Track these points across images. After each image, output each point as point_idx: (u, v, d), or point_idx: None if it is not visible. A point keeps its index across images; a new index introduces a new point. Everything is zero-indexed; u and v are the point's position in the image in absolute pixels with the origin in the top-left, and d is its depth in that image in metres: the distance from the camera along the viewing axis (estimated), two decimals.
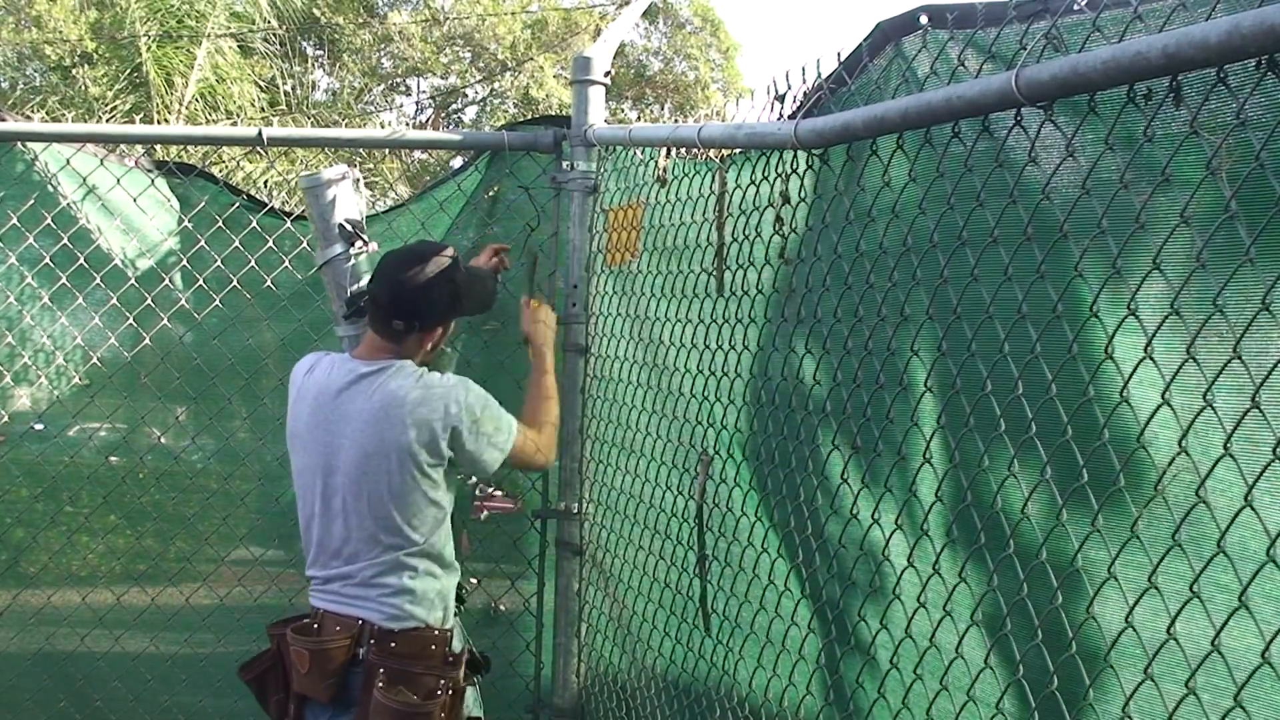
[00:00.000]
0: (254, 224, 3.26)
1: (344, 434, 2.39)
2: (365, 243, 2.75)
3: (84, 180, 3.29)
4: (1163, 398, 1.34)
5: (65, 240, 3.25)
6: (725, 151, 2.35)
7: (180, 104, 14.29)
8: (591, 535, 3.08)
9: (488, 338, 3.25)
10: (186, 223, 3.29)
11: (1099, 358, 1.47)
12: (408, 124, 19.46)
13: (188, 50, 14.53)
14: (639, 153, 2.79)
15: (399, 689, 2.32)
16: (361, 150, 12.81)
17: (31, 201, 3.25)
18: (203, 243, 3.26)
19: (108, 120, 12.98)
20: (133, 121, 12.15)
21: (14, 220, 3.25)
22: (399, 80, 19.86)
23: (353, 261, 2.73)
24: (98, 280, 3.25)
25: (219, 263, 3.23)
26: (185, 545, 3.41)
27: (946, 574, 1.75)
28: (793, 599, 2.19)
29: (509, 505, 2.82)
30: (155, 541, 3.41)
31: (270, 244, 3.24)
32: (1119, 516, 1.46)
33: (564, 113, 3.86)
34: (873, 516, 1.90)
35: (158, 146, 4.71)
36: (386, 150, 13.79)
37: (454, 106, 20.59)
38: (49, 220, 3.25)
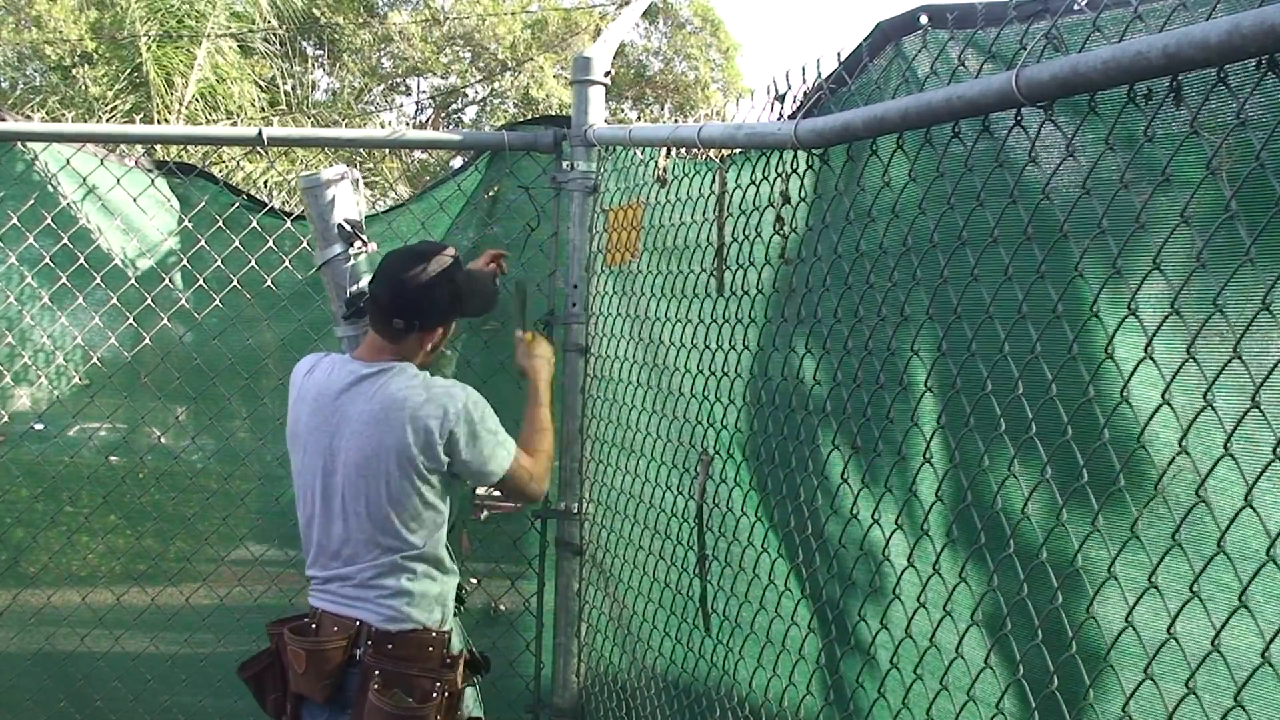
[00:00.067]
0: (254, 224, 3.26)
1: (344, 435, 2.39)
2: (364, 243, 2.75)
3: (84, 180, 3.29)
4: (1163, 398, 1.34)
5: (65, 240, 3.25)
6: (725, 151, 2.35)
7: (180, 104, 14.29)
8: (591, 535, 3.08)
9: (488, 338, 3.25)
10: (186, 223, 3.29)
11: (1099, 358, 1.47)
12: (408, 124, 19.47)
13: (188, 50, 14.53)
14: (639, 153, 2.79)
15: (394, 692, 2.32)
16: (361, 150, 12.81)
17: (31, 201, 3.25)
18: (203, 243, 3.26)
19: (108, 120, 12.99)
20: (133, 121, 12.16)
21: (14, 220, 3.25)
22: (399, 80, 19.87)
23: (352, 262, 2.73)
24: (98, 280, 3.25)
25: (219, 263, 3.23)
26: (185, 545, 3.41)
27: (946, 574, 1.75)
28: (793, 599, 2.19)
29: (509, 505, 2.81)
30: (155, 541, 3.41)
31: (270, 244, 3.24)
32: (1119, 516, 1.46)
33: (564, 113, 3.86)
34: (873, 516, 1.89)
35: (158, 146, 4.72)
36: (386, 150, 13.79)
37: (454, 106, 20.60)
38: (49, 220, 3.25)
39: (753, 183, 2.25)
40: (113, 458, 3.41)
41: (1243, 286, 1.27)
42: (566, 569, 3.11)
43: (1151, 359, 1.36)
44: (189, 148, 10.24)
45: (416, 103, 20.47)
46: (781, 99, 2.15)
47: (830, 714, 2.10)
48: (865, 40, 2.00)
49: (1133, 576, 1.42)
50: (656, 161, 2.60)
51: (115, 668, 3.38)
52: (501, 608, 3.28)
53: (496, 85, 19.53)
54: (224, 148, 10.14)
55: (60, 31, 14.57)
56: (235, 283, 3.23)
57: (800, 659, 2.16)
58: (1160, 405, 1.34)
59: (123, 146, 3.38)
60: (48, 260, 3.26)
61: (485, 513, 2.61)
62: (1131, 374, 1.40)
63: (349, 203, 2.76)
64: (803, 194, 2.11)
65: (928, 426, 1.81)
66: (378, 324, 2.46)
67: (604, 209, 2.99)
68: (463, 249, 3.13)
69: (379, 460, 2.35)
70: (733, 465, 2.41)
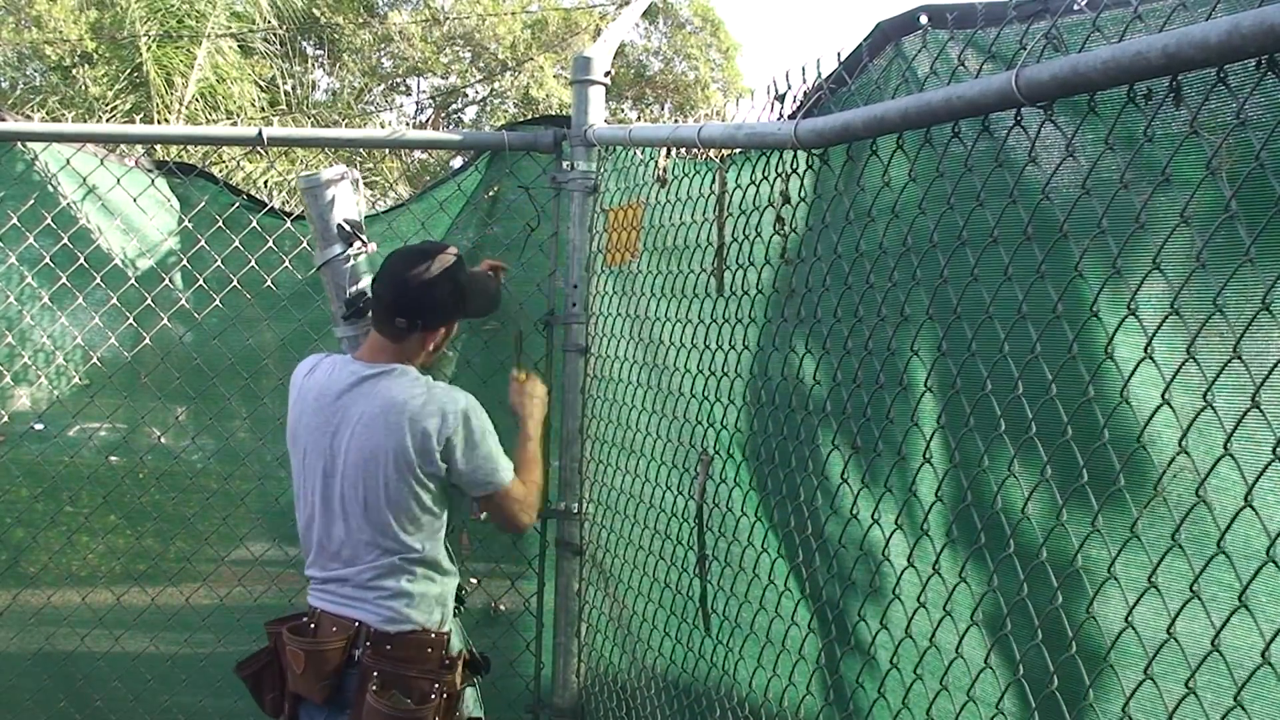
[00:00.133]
0: (254, 224, 3.26)
1: (344, 436, 2.39)
2: (364, 243, 2.74)
3: (84, 180, 3.29)
4: (1163, 398, 1.34)
5: (65, 240, 3.25)
6: (725, 151, 2.35)
7: (180, 104, 14.29)
8: (591, 535, 3.08)
9: (488, 338, 3.25)
10: (186, 223, 3.29)
11: (1099, 358, 1.47)
12: (408, 124, 19.47)
13: (188, 50, 14.54)
14: (639, 153, 2.79)
15: (392, 693, 2.32)
16: (361, 150, 12.82)
17: (31, 201, 3.25)
18: (203, 243, 3.25)
19: (108, 120, 12.99)
20: (133, 121, 12.16)
21: (14, 220, 3.25)
22: (399, 80, 19.87)
23: (352, 262, 2.73)
24: (98, 280, 3.25)
25: (219, 263, 3.23)
26: (185, 545, 3.40)
27: (946, 574, 1.75)
28: (792, 599, 2.19)
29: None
30: (155, 541, 3.41)
31: (270, 244, 3.24)
32: (1119, 516, 1.46)
33: (564, 113, 3.86)
34: (873, 516, 1.89)
35: (158, 146, 4.72)
36: (386, 150, 13.79)
37: (454, 106, 20.60)
38: (49, 220, 3.24)
39: (753, 183, 2.25)
40: (113, 458, 3.41)
41: (1243, 286, 1.27)
42: (566, 569, 3.11)
43: (1151, 359, 1.36)
44: (189, 148, 10.25)
45: (416, 103, 20.49)
46: (781, 99, 2.15)
47: (830, 714, 2.10)
48: (865, 40, 2.00)
49: (1133, 576, 1.42)
50: (656, 161, 2.60)
51: (115, 668, 3.37)
52: (501, 608, 3.28)
53: (496, 85, 19.53)
54: (224, 148, 10.14)
55: (60, 31, 14.58)
56: (235, 283, 3.23)
57: (800, 659, 2.16)
58: (1160, 405, 1.34)
59: (123, 146, 3.38)
60: (48, 260, 3.25)
61: (485, 513, 2.60)
62: (1131, 374, 1.40)
63: (349, 203, 2.76)
64: (803, 194, 2.11)
65: (928, 426, 1.81)
66: (380, 323, 2.46)
67: (604, 209, 2.99)
68: (463, 249, 3.12)
69: (377, 462, 2.35)
70: (733, 465, 2.41)
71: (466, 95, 20.31)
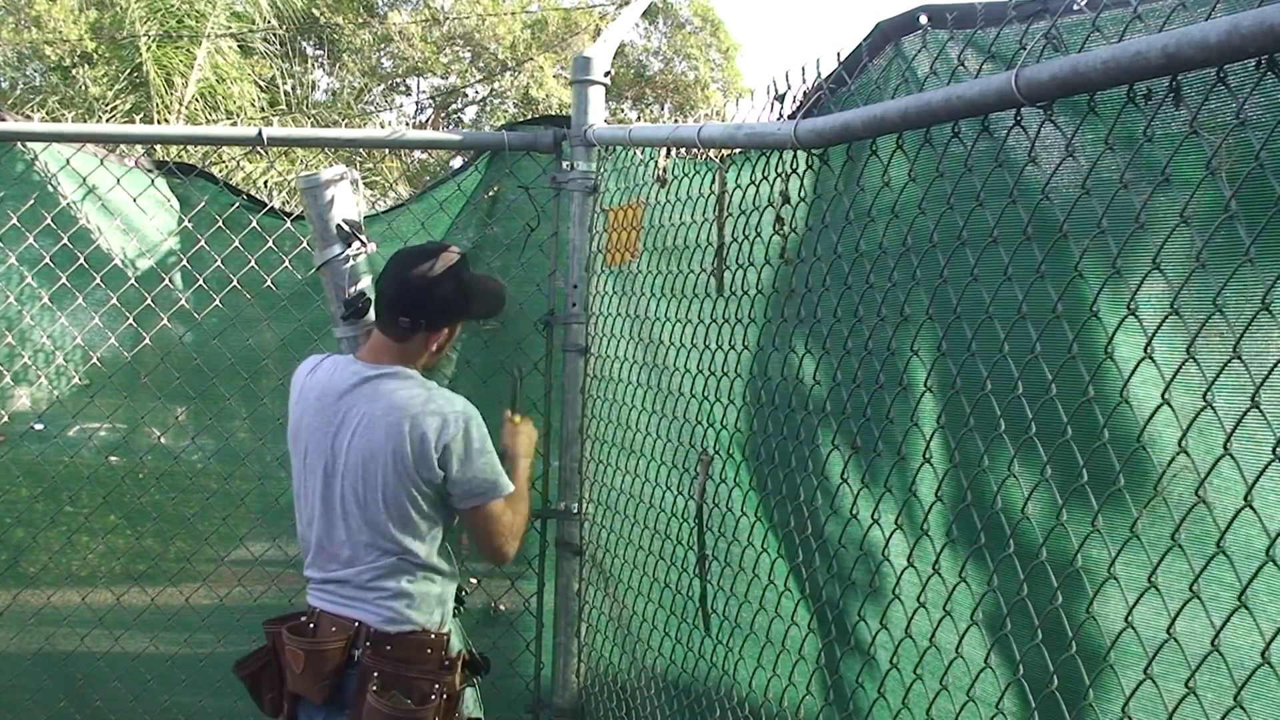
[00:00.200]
0: (254, 224, 3.26)
1: (345, 436, 2.39)
2: (364, 243, 2.74)
3: (84, 180, 3.29)
4: (1163, 398, 1.34)
5: (65, 240, 3.25)
6: (725, 151, 2.35)
7: (180, 104, 14.29)
8: (591, 535, 3.08)
9: (488, 338, 3.25)
10: (186, 223, 3.29)
11: (1099, 358, 1.47)
12: (408, 124, 19.47)
13: (188, 50, 14.54)
14: (639, 153, 2.79)
15: (392, 694, 2.31)
16: (361, 150, 12.82)
17: (31, 201, 3.25)
18: (203, 243, 3.25)
19: (108, 120, 12.99)
20: (133, 121, 12.17)
21: (14, 220, 3.25)
22: (399, 80, 19.87)
23: (351, 263, 2.73)
24: (98, 280, 3.25)
25: (219, 263, 3.23)
26: (185, 545, 3.40)
27: (946, 574, 1.75)
28: (792, 599, 2.19)
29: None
30: (155, 541, 3.41)
31: (270, 244, 3.24)
32: (1119, 516, 1.46)
33: (564, 113, 3.86)
34: (873, 516, 1.89)
35: (158, 146, 4.71)
36: (386, 150, 13.79)
37: (454, 106, 20.60)
38: (49, 220, 3.24)
39: (752, 183, 2.25)
40: (113, 458, 3.41)
41: (1243, 286, 1.27)
42: (566, 569, 3.11)
43: (1151, 359, 1.36)
44: (189, 148, 10.24)
45: (416, 103, 20.49)
46: (781, 99, 2.15)
47: (830, 714, 2.10)
48: (865, 40, 2.00)
49: (1133, 576, 1.42)
50: (656, 161, 2.60)
51: (115, 668, 3.37)
52: (501, 608, 3.28)
53: (496, 85, 19.53)
54: (224, 148, 10.14)
55: (60, 31, 14.58)
56: (235, 283, 3.23)
57: (800, 659, 2.16)
58: (1160, 405, 1.34)
59: (123, 146, 3.38)
60: (48, 260, 3.25)
61: (467, 533, 2.59)
62: (1131, 374, 1.40)
63: (348, 203, 2.76)
64: (802, 194, 2.11)
65: (928, 426, 1.81)
66: (383, 323, 2.46)
67: (604, 209, 2.99)
68: (463, 249, 3.13)
69: (377, 463, 2.35)
70: (732, 465, 2.41)
71: (466, 95, 20.32)
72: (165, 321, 3.29)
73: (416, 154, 17.57)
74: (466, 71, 19.40)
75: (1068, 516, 1.51)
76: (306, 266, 3.20)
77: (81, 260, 3.24)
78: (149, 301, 3.27)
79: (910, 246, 1.78)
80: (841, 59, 2.03)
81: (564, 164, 3.06)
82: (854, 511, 1.97)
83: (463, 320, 2.58)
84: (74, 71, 14.60)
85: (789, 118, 2.10)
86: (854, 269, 1.93)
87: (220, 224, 3.26)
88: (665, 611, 2.66)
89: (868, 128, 1.76)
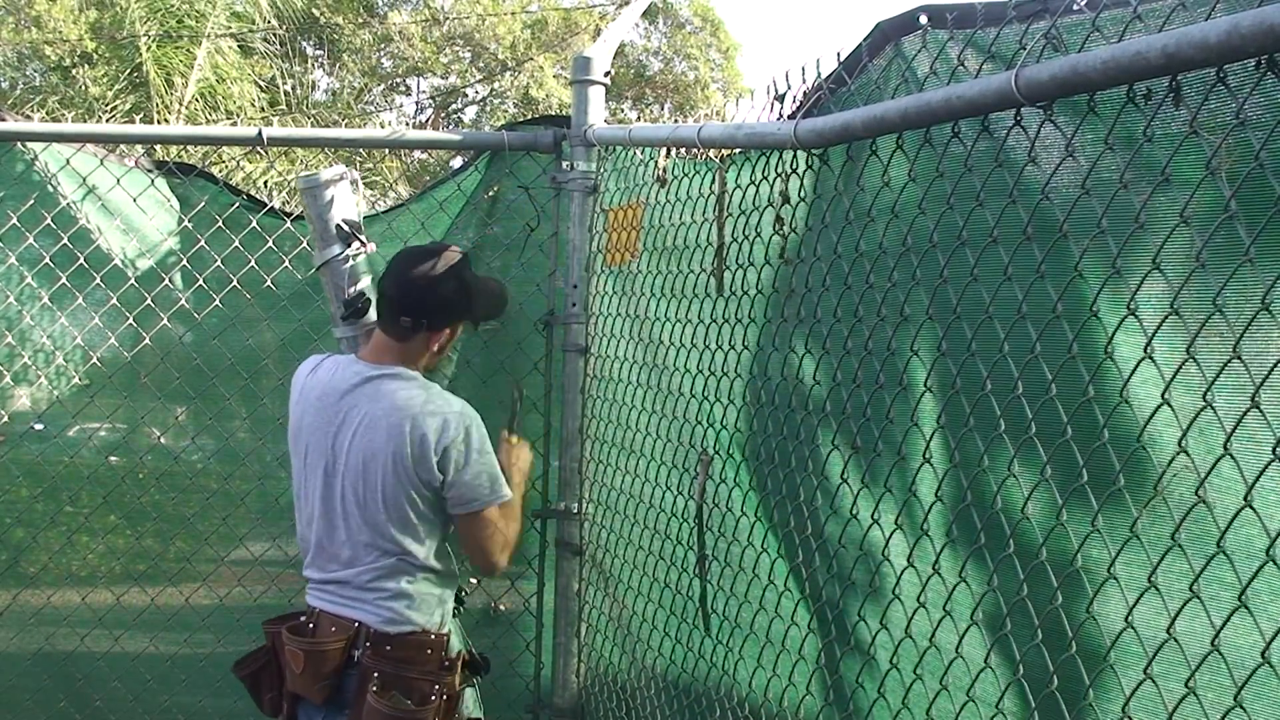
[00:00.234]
0: (254, 224, 3.26)
1: (346, 436, 2.39)
2: (363, 243, 2.74)
3: (84, 180, 3.29)
4: (1163, 397, 1.34)
5: (65, 240, 3.25)
6: (725, 151, 2.35)
7: (180, 104, 14.29)
8: (591, 535, 3.08)
9: (488, 338, 3.25)
10: (186, 223, 3.29)
11: (1099, 358, 1.47)
12: (408, 124, 19.47)
13: (188, 50, 14.54)
14: (639, 153, 2.79)
15: (392, 694, 2.31)
16: (361, 150, 12.82)
17: (31, 201, 3.25)
18: (203, 243, 3.26)
19: (108, 120, 12.99)
20: (133, 121, 12.17)
21: (14, 220, 3.25)
22: (399, 80, 19.87)
23: (351, 263, 2.73)
24: (98, 280, 3.25)
25: (219, 263, 3.23)
26: (185, 545, 3.40)
27: (946, 574, 1.75)
28: (792, 599, 2.19)
29: None
30: (155, 541, 3.41)
31: (270, 244, 3.24)
32: (1119, 516, 1.46)
33: (564, 113, 3.86)
34: (872, 516, 1.89)
35: (158, 146, 4.71)
36: (386, 150, 13.79)
37: (454, 106, 20.60)
38: (49, 220, 3.24)
39: (752, 183, 2.25)
40: (113, 458, 3.41)
41: (1243, 286, 1.27)
42: (566, 569, 3.11)
43: (1151, 359, 1.36)
44: (189, 148, 10.24)
45: (416, 103, 20.49)
46: (781, 99, 2.15)
47: (830, 714, 2.10)
48: (865, 40, 2.00)
49: (1133, 576, 1.42)
50: (656, 161, 2.60)
51: (115, 668, 3.38)
52: (501, 608, 3.28)
53: (496, 85, 19.54)
54: (224, 148, 10.13)
55: (60, 31, 14.58)
56: (235, 283, 3.23)
57: (800, 659, 2.16)
58: (1160, 405, 1.34)
59: (123, 146, 3.38)
60: (48, 260, 3.25)
61: (461, 540, 2.59)
62: (1131, 374, 1.40)
63: (348, 203, 2.76)
64: (802, 194, 2.11)
65: (928, 426, 1.81)
66: (385, 323, 2.46)
67: (604, 209, 2.99)
68: (463, 249, 3.13)
69: (377, 464, 2.35)
70: (732, 465, 2.41)
71: (466, 95, 20.32)
72: (165, 321, 3.29)
73: (416, 154, 17.57)
74: (466, 71, 19.40)
75: (1068, 516, 1.51)
76: (306, 266, 3.20)
77: (81, 260, 3.24)
78: (149, 301, 3.27)
79: (910, 246, 1.78)
80: (841, 59, 2.03)
81: (564, 164, 3.07)
82: (854, 511, 1.97)
83: (464, 320, 2.58)
84: (74, 71, 14.60)
85: (789, 118, 2.10)
86: (854, 269, 1.93)
87: (220, 224, 3.26)
88: (665, 611, 2.66)
89: (868, 128, 1.76)
